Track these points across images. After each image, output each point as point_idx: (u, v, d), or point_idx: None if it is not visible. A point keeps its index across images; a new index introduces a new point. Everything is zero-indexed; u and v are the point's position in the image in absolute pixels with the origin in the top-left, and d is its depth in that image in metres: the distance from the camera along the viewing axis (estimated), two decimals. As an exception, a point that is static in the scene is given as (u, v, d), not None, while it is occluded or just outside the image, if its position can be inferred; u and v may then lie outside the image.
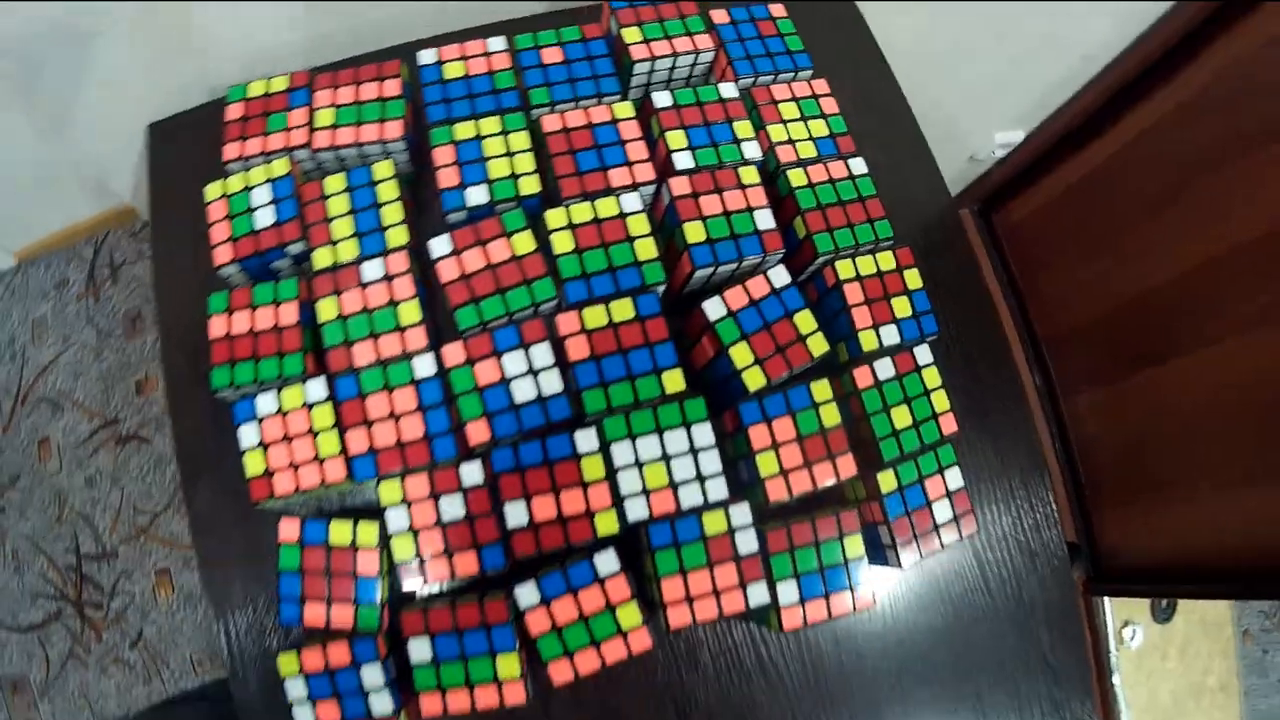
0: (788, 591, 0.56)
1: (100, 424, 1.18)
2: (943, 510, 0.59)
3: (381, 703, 0.54)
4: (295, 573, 0.54)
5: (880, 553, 0.60)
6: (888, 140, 0.71)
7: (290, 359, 0.57)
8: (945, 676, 0.63)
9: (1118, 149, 0.96)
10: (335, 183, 0.60)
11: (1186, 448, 0.91)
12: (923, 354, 0.60)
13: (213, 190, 0.60)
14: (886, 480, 0.58)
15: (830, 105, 0.64)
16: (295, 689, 0.54)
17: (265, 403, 0.56)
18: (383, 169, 0.59)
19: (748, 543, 0.56)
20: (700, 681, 0.63)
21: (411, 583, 0.54)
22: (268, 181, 0.60)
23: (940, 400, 0.60)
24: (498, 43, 0.62)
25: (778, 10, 0.66)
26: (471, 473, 0.56)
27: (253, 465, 0.55)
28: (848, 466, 0.58)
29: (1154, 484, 0.96)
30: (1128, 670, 1.12)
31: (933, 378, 0.60)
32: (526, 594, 0.54)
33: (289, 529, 0.55)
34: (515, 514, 0.55)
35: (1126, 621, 1.14)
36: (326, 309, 0.57)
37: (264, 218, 0.59)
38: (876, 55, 0.77)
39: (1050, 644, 0.64)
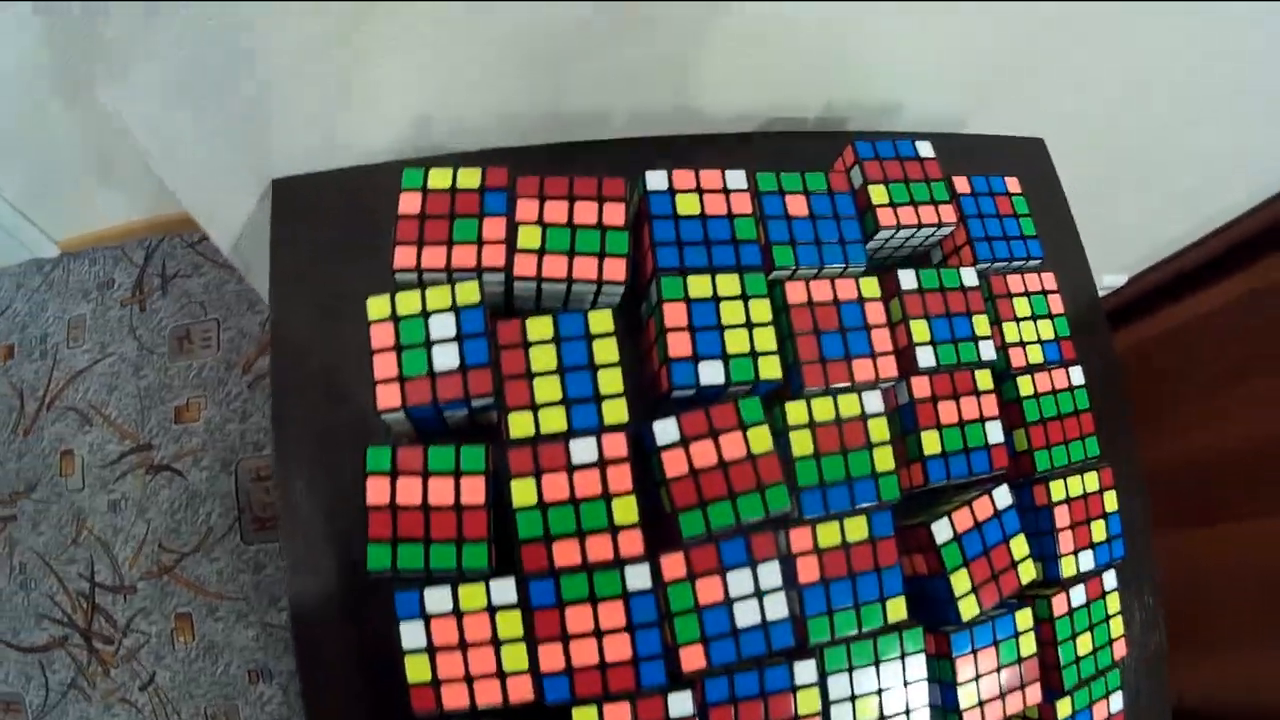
0: None
1: (132, 446, 1.09)
2: None
3: None
4: None
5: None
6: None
7: (472, 549, 0.48)
8: None
9: (1228, 301, 1.05)
10: (541, 327, 0.50)
11: (1257, 604, 1.02)
12: (1110, 580, 0.62)
13: (378, 308, 0.48)
14: (1064, 709, 0.60)
15: (1057, 304, 0.64)
16: None
17: (436, 599, 0.47)
18: (601, 321, 0.51)
19: None
20: None
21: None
22: (452, 309, 0.50)
23: (1116, 626, 0.62)
24: (738, 179, 0.55)
25: (1014, 186, 0.65)
26: (681, 703, 0.51)
27: (416, 671, 0.46)
28: (1035, 695, 0.59)
29: (1224, 635, 1.07)
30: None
31: (1114, 603, 0.62)
32: None
33: None
34: None
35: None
36: (522, 492, 0.49)
37: (446, 357, 0.49)
38: (1058, 190, 0.79)
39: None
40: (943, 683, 0.56)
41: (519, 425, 0.47)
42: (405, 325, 0.48)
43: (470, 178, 0.50)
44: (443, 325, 0.48)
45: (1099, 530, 0.60)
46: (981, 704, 0.56)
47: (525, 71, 0.54)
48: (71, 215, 1.08)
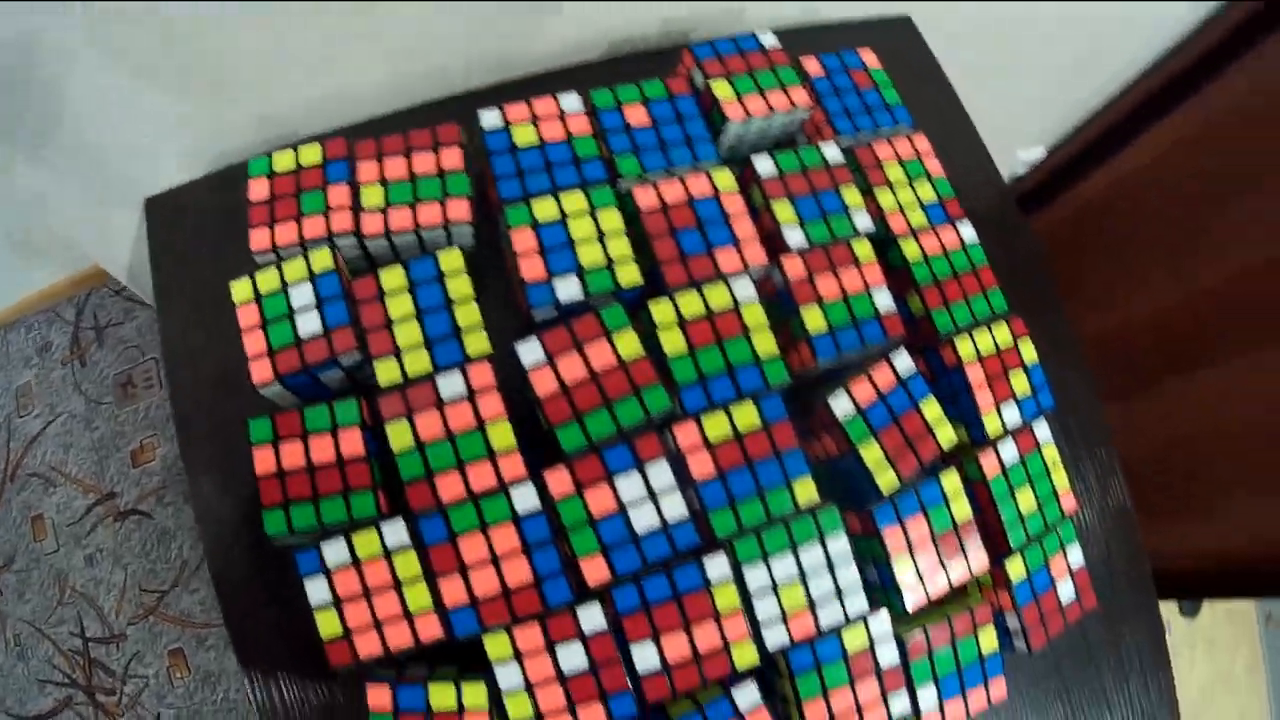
0: (927, 697, 0.57)
1: (96, 499, 1.16)
2: (1066, 589, 0.61)
3: None
4: None
5: (1007, 637, 0.63)
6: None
7: (359, 499, 0.51)
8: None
9: (1148, 161, 1.03)
10: (393, 277, 0.53)
11: (1221, 456, 1.02)
12: (1042, 431, 0.62)
13: (241, 290, 0.52)
14: (1015, 568, 0.60)
15: (935, 166, 0.64)
16: None
17: (334, 551, 0.50)
18: (450, 259, 0.54)
19: (888, 655, 0.56)
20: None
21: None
22: (308, 279, 0.53)
23: (1060, 477, 0.62)
24: (572, 101, 0.57)
25: (870, 59, 0.65)
26: (591, 616, 0.53)
27: (327, 626, 0.49)
28: (980, 561, 0.59)
29: (1188, 493, 1.06)
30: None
31: (1052, 454, 0.62)
32: (667, 746, 0.53)
33: (379, 697, 0.50)
34: (644, 657, 0.52)
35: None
36: (398, 436, 0.52)
37: (308, 324, 0.52)
38: (935, 69, 0.78)
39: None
40: (876, 562, 0.57)
41: (385, 372, 0.51)
42: (267, 302, 0.52)
43: (311, 153, 0.54)
44: (301, 294, 0.51)
45: (1019, 382, 0.60)
46: (921, 576, 0.56)
47: (361, 45, 0.57)
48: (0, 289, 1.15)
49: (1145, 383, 1.08)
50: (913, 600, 0.57)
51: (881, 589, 0.59)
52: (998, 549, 0.61)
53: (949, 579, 0.58)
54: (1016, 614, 0.60)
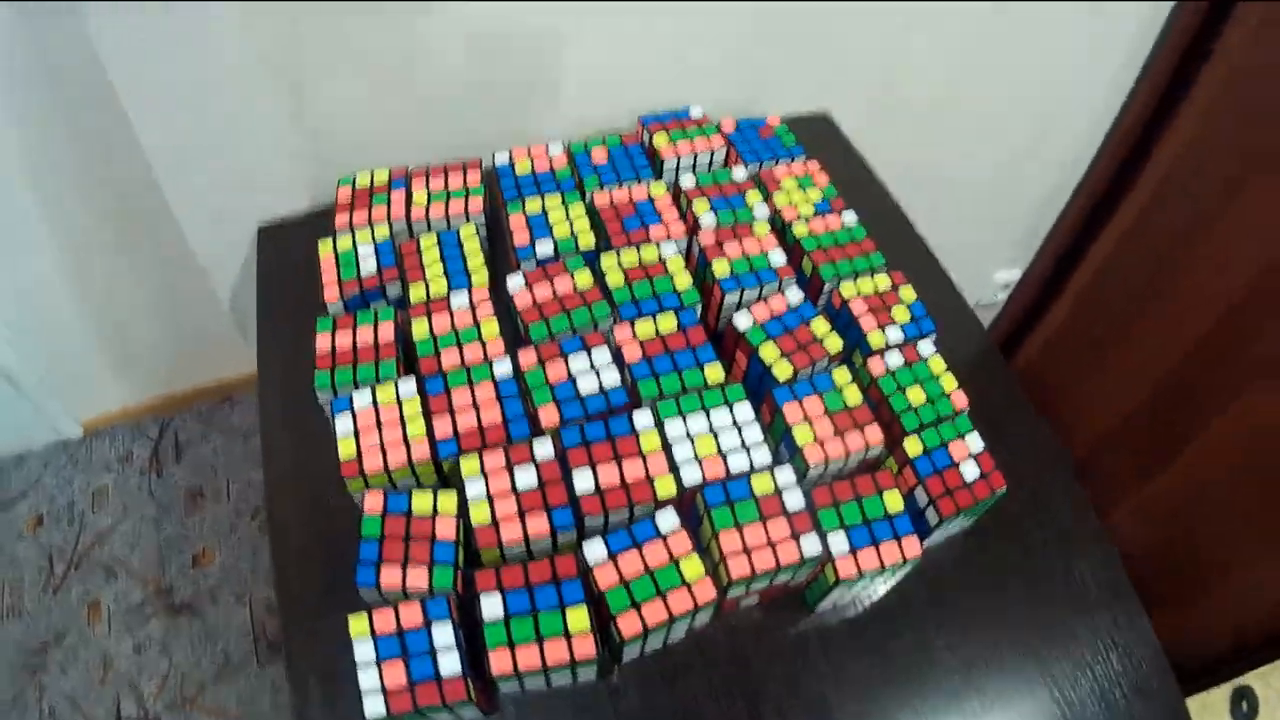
0: (838, 542, 0.72)
1: (154, 591, 1.39)
2: (970, 469, 0.76)
3: (450, 662, 0.65)
4: (375, 539, 0.70)
5: (924, 524, 0.75)
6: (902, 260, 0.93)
7: (385, 364, 0.79)
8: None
9: (1099, 265, 1.26)
10: (428, 240, 0.88)
11: (1227, 517, 1.06)
12: (925, 347, 0.83)
13: (324, 246, 0.87)
14: (912, 445, 0.77)
15: (822, 179, 0.95)
16: (364, 651, 0.65)
17: (361, 398, 0.77)
18: (467, 230, 0.88)
19: (795, 500, 0.73)
20: (768, 674, 0.73)
21: (487, 541, 0.69)
22: (372, 242, 0.86)
23: (948, 381, 0.81)
24: (556, 147, 0.95)
25: (773, 120, 1.01)
26: (543, 447, 0.74)
27: (345, 449, 0.74)
28: (875, 434, 0.77)
29: (1201, 568, 1.09)
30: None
31: (937, 364, 0.82)
32: (594, 550, 0.70)
33: (374, 501, 0.72)
34: (582, 480, 0.72)
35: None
36: (419, 329, 0.81)
37: (368, 265, 0.85)
38: (867, 172, 1.10)
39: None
40: (782, 437, 0.75)
41: (416, 293, 0.83)
42: (343, 255, 0.86)
43: (381, 175, 0.93)
44: (366, 250, 0.85)
45: (900, 313, 0.84)
46: (820, 441, 0.75)
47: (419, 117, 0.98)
48: (91, 400, 1.51)
49: (1135, 479, 1.18)
50: (812, 455, 0.74)
51: (790, 459, 0.76)
52: (894, 434, 0.77)
53: (846, 447, 0.75)
54: (922, 486, 0.74)
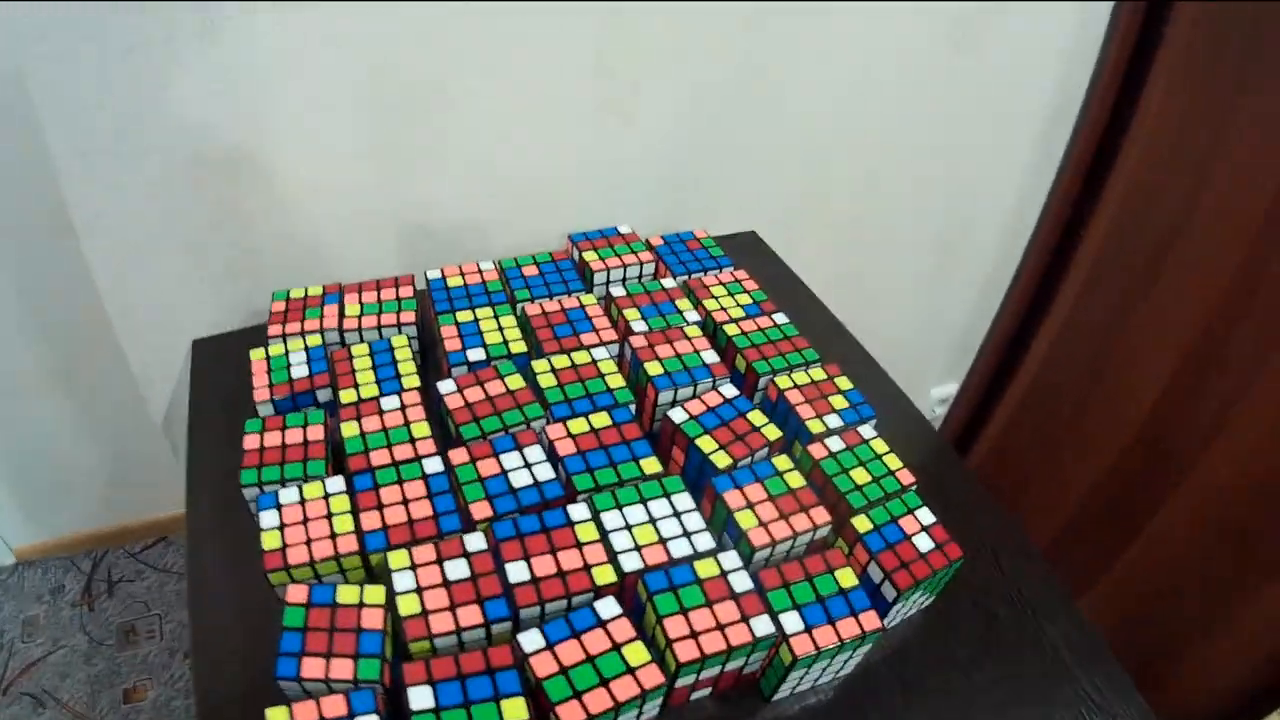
0: (791, 621, 0.74)
1: None
2: (924, 541, 0.81)
3: (375, 759, 0.64)
4: (299, 630, 0.70)
5: (883, 601, 0.78)
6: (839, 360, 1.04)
7: (314, 463, 0.83)
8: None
9: (1042, 357, 1.37)
10: (360, 349, 0.95)
11: (1200, 581, 1.11)
12: (866, 430, 0.89)
13: (256, 353, 0.93)
14: (861, 523, 0.81)
15: (751, 285, 1.06)
16: (281, 746, 0.64)
17: (287, 494, 0.80)
18: (399, 339, 0.95)
19: (742, 582, 0.76)
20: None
21: (416, 632, 0.70)
22: (304, 349, 0.92)
23: (893, 461, 0.87)
24: (487, 264, 1.05)
25: (700, 233, 1.13)
26: (475, 540, 0.77)
27: (269, 541, 0.76)
28: (821, 515, 0.81)
29: (1178, 637, 1.11)
30: None
31: (880, 446, 0.88)
32: (531, 639, 0.71)
33: (297, 592, 0.72)
34: (517, 571, 0.75)
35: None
36: (349, 429, 0.86)
37: (299, 369, 0.91)
38: (797, 282, 1.21)
39: None
40: (726, 524, 0.80)
41: (347, 396, 0.88)
42: (274, 360, 0.92)
43: (316, 289, 1.01)
44: (298, 357, 0.91)
45: (838, 401, 0.92)
46: (764, 524, 0.79)
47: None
48: (24, 528, 1.57)
49: (1102, 562, 1.23)
50: (757, 538, 0.78)
51: (733, 543, 0.79)
52: (841, 513, 0.82)
53: (792, 528, 0.79)
54: (875, 563, 0.78)
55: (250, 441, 0.86)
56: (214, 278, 1.07)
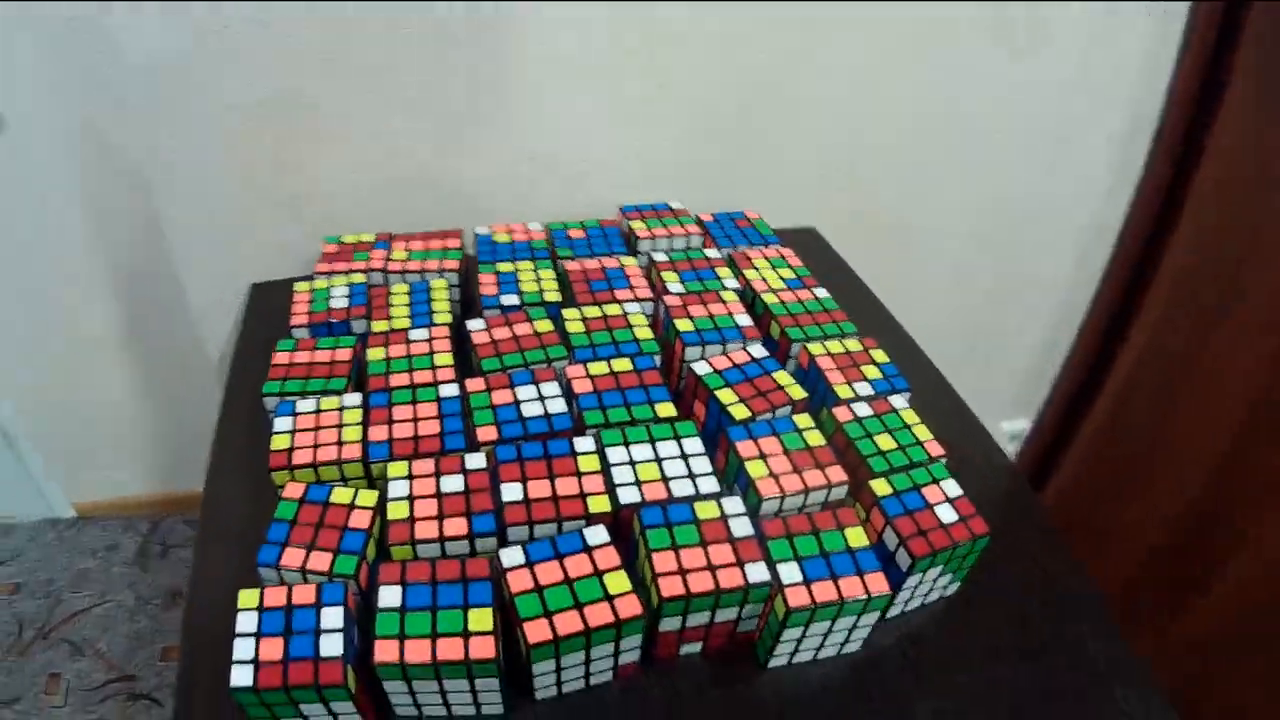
0: (790, 571, 0.70)
1: (116, 676, 1.42)
2: (947, 512, 0.75)
3: (332, 644, 0.62)
4: (287, 522, 0.72)
5: (897, 571, 0.73)
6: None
7: (336, 380, 0.86)
8: None
9: (1122, 383, 1.28)
10: (400, 288, 0.98)
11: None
12: (898, 401, 0.85)
13: (301, 285, 0.97)
14: (880, 486, 0.77)
15: (796, 261, 1.03)
16: (246, 623, 0.64)
17: (305, 404, 0.83)
18: (438, 283, 0.97)
19: (742, 527, 0.73)
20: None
21: (399, 536, 0.70)
22: (347, 285, 0.96)
23: (922, 431, 0.82)
24: (536, 225, 1.06)
25: (752, 213, 1.12)
26: (475, 460, 0.76)
27: (278, 443, 0.78)
28: (837, 474, 0.77)
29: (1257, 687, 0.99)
30: None
31: (911, 416, 0.84)
32: (511, 555, 0.69)
33: (294, 488, 0.74)
34: (510, 491, 0.74)
35: None
36: (374, 353, 0.88)
37: (339, 301, 0.94)
38: (860, 285, 1.18)
39: None
40: (735, 475, 0.80)
41: (378, 326, 0.91)
42: (317, 292, 0.96)
43: (368, 236, 1.05)
44: (340, 290, 0.95)
45: (870, 371, 0.89)
46: (775, 475, 0.77)
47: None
48: (88, 485, 1.63)
49: (1169, 613, 1.13)
50: (766, 489, 0.75)
51: (741, 492, 0.77)
52: (860, 476, 0.78)
53: (804, 482, 0.76)
54: (891, 528, 0.74)
55: (280, 358, 0.89)
56: (275, 224, 1.14)
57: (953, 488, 0.79)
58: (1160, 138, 1.24)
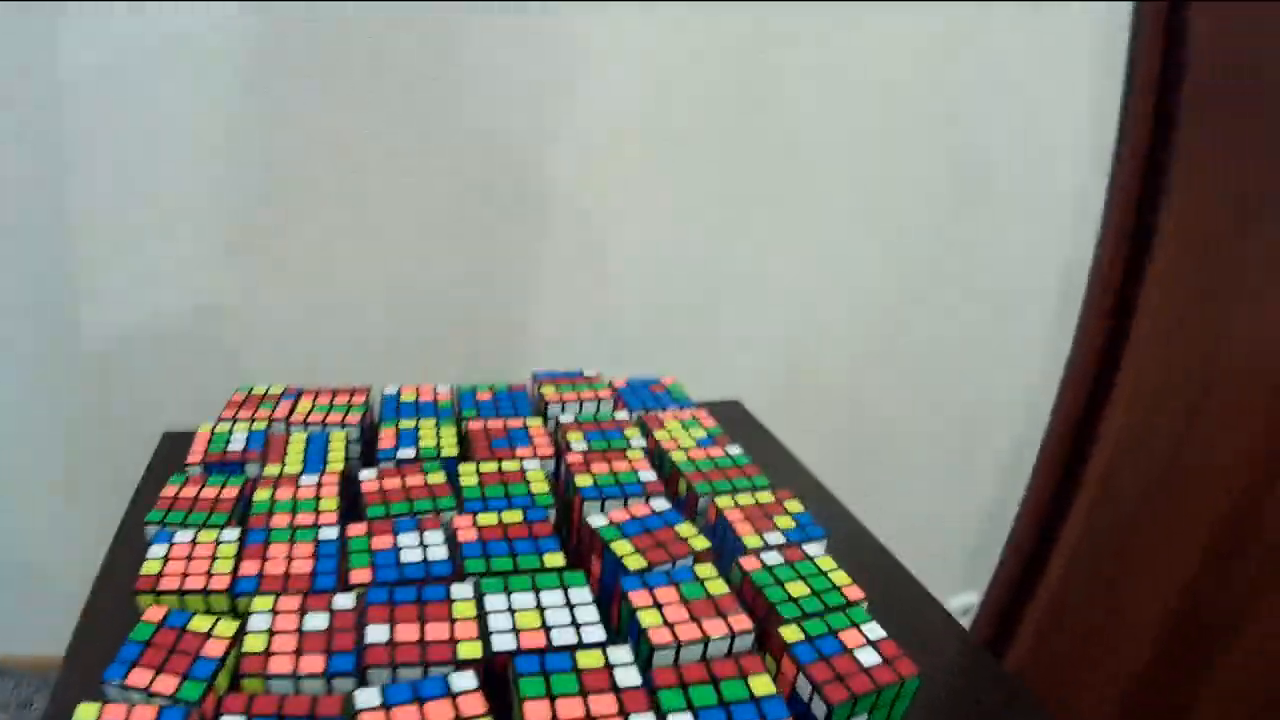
0: None
1: None
2: (869, 656, 0.70)
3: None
4: (141, 644, 0.66)
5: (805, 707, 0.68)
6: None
7: (218, 515, 0.83)
8: None
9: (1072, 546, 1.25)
10: (299, 435, 0.96)
11: None
12: (812, 548, 0.82)
13: (203, 427, 0.95)
14: (790, 633, 0.71)
15: (709, 421, 1.03)
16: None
17: (183, 534, 0.80)
18: (337, 435, 0.96)
19: (629, 676, 0.67)
20: None
21: (251, 668, 0.64)
22: (248, 431, 0.95)
23: (840, 577, 0.78)
24: (444, 387, 1.06)
25: (668, 380, 1.13)
26: (345, 600, 0.72)
27: (148, 568, 0.75)
28: (741, 622, 0.72)
29: None
30: None
31: (827, 563, 0.80)
32: (366, 696, 0.63)
33: (155, 612, 0.69)
34: (376, 633, 0.69)
35: None
36: (261, 494, 0.85)
37: (237, 444, 0.93)
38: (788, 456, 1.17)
39: None
40: (628, 626, 0.75)
41: (270, 471, 0.89)
42: (215, 436, 0.93)
43: (276, 388, 1.04)
44: (240, 434, 0.93)
45: (783, 522, 0.86)
46: (670, 624, 0.73)
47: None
48: (12, 633, 1.49)
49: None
50: (658, 637, 0.70)
51: (632, 642, 0.72)
52: (770, 624, 0.73)
53: (703, 630, 0.72)
54: (804, 675, 0.69)
55: (168, 491, 0.87)
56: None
57: (875, 630, 0.73)
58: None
